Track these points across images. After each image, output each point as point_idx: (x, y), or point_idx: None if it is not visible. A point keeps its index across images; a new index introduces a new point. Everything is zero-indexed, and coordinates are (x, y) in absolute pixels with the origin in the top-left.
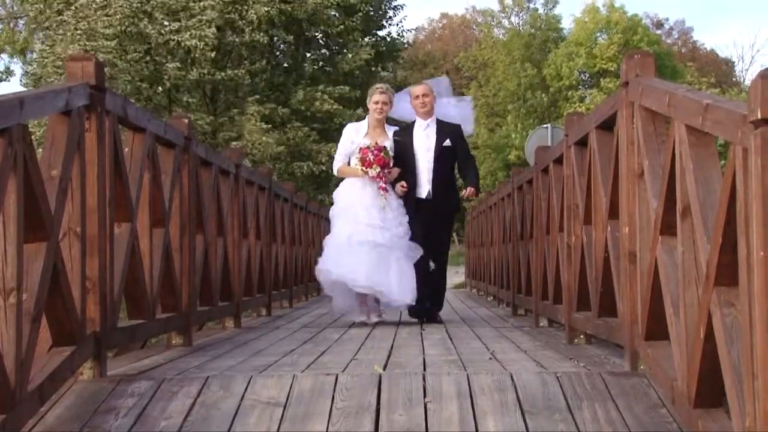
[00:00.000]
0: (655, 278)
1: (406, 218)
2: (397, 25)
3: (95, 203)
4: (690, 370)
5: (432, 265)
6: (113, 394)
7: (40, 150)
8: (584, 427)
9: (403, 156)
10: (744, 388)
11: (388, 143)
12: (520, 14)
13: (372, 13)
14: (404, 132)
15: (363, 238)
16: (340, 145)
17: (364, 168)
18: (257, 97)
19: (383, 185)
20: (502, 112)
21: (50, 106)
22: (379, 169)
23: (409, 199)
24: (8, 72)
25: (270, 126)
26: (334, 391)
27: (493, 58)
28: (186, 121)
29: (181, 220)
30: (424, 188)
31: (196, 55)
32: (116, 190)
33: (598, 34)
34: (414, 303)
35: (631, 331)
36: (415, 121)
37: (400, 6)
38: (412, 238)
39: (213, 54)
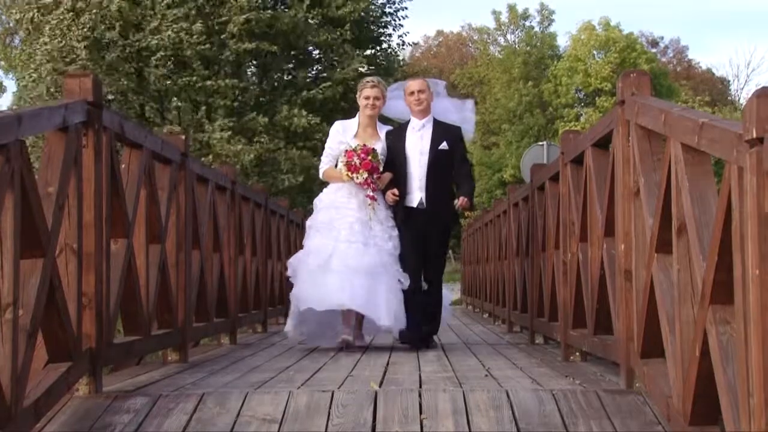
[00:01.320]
0: (651, 296)
1: (396, 232)
2: (400, 37)
3: (92, 219)
4: (686, 388)
5: (424, 284)
6: (109, 411)
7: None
8: None
9: (395, 158)
10: (739, 406)
11: (380, 144)
12: (516, 32)
13: (366, 25)
14: (397, 132)
15: (344, 261)
16: (326, 145)
17: (349, 173)
18: (225, 105)
19: (371, 194)
20: (498, 130)
21: (47, 122)
22: (366, 175)
23: (398, 208)
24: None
25: (238, 136)
26: (330, 407)
27: (489, 76)
28: (183, 137)
29: (177, 236)
30: (416, 196)
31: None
32: (113, 206)
33: (595, 53)
34: (402, 329)
35: (627, 348)
36: (409, 121)
37: (401, 16)
38: (403, 250)
39: (171, 60)
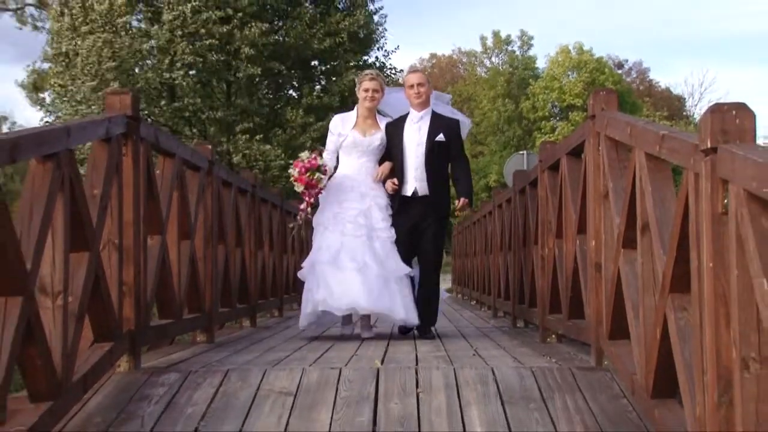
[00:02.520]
0: (618, 286)
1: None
2: (384, 50)
3: (131, 218)
4: (648, 366)
5: (413, 271)
6: (146, 385)
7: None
8: (555, 414)
9: (393, 149)
10: (695, 381)
11: (379, 135)
12: (500, 55)
13: (361, 36)
14: (396, 124)
15: (353, 257)
16: (327, 139)
17: (293, 181)
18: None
19: (303, 207)
20: (485, 140)
21: (92, 133)
22: (302, 188)
23: (395, 196)
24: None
25: (260, 136)
26: (338, 382)
27: (476, 93)
28: (209, 147)
29: (205, 233)
30: (411, 186)
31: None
32: (149, 207)
33: (569, 73)
34: (419, 322)
35: (597, 331)
36: (408, 113)
37: (383, 29)
38: (396, 243)
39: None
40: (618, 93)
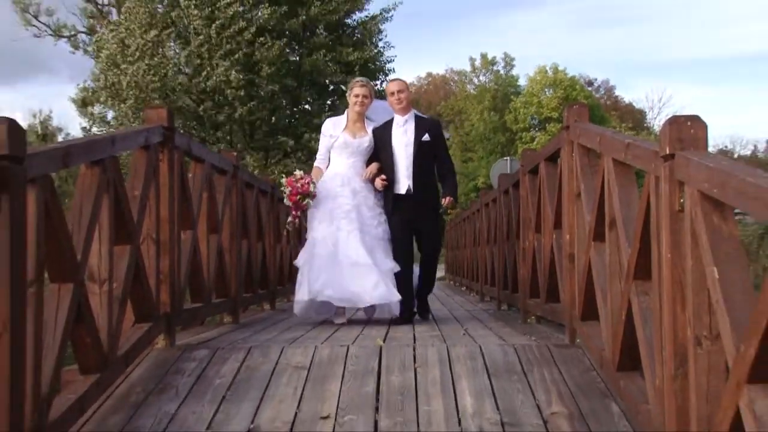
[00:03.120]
0: (589, 274)
1: (384, 218)
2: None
3: (166, 215)
4: (614, 343)
5: (397, 266)
6: (180, 359)
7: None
8: (534, 385)
9: (382, 152)
10: (654, 356)
11: (367, 138)
12: (486, 74)
13: (370, 66)
14: (383, 128)
15: (346, 252)
16: (320, 141)
17: (282, 190)
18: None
19: (292, 218)
20: (474, 148)
21: (134, 142)
22: (291, 204)
23: (388, 196)
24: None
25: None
26: (346, 358)
27: (466, 107)
28: (235, 153)
29: (230, 229)
30: (403, 184)
31: (225, 97)
32: (182, 206)
33: (546, 90)
34: (394, 314)
35: (570, 313)
36: (393, 118)
37: (392, 59)
38: (392, 237)
39: (241, 93)
40: (588, 107)
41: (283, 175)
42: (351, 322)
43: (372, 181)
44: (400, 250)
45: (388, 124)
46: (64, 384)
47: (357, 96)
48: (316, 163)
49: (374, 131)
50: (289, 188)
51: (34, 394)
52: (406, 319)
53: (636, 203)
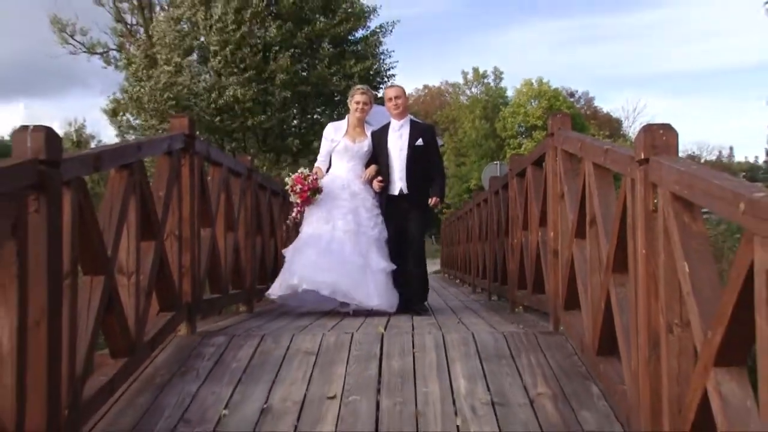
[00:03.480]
0: (571, 267)
1: (381, 219)
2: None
3: (188, 214)
4: (594, 330)
5: (391, 266)
6: (200, 345)
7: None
8: (522, 368)
9: (379, 155)
10: (630, 341)
11: (366, 141)
12: (478, 86)
13: (372, 75)
14: (380, 132)
15: (342, 248)
16: (321, 145)
17: (289, 192)
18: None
19: (295, 214)
20: (466, 153)
21: (158, 148)
22: (299, 201)
23: (384, 196)
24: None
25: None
26: (351, 344)
27: (459, 116)
28: (249, 157)
29: (245, 226)
30: (397, 185)
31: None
32: (202, 206)
33: (532, 100)
34: (393, 310)
35: (555, 303)
36: (390, 122)
37: (393, 65)
38: (388, 239)
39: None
40: (570, 116)
41: (290, 174)
42: (355, 313)
43: (370, 182)
44: (392, 249)
45: (385, 128)
46: (97, 366)
47: (357, 103)
48: (317, 164)
49: (372, 134)
50: (299, 185)
51: (69, 375)
52: (399, 310)
53: (614, 203)
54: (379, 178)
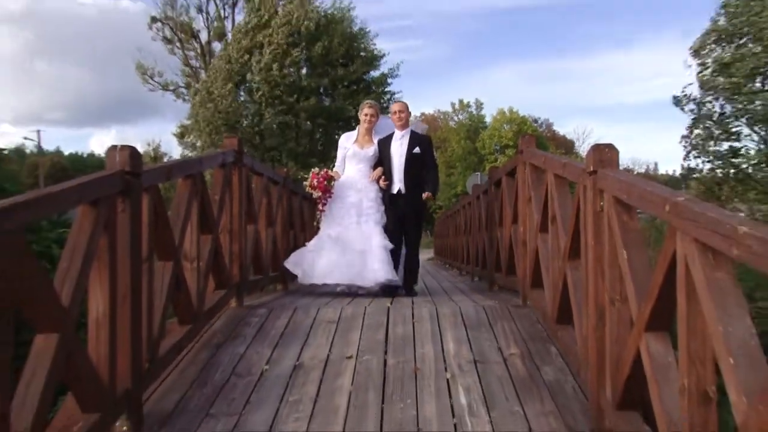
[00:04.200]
0: (536, 255)
1: (383, 207)
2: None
3: (237, 213)
4: (553, 304)
5: (390, 245)
6: (247, 315)
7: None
8: (498, 334)
9: (384, 160)
10: (582, 313)
11: (373, 148)
12: (463, 114)
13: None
14: (385, 140)
15: (347, 237)
16: (338, 152)
17: (309, 189)
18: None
19: (321, 208)
20: (454, 165)
21: (214, 162)
22: (320, 194)
23: (386, 194)
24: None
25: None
26: (364, 315)
27: (449, 137)
28: (285, 169)
29: (282, 223)
30: (397, 186)
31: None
32: (248, 207)
33: (505, 125)
34: (395, 279)
35: (524, 283)
36: (394, 132)
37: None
38: (387, 224)
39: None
40: (535, 138)
41: (304, 176)
42: (365, 293)
43: (377, 181)
44: (393, 238)
45: (389, 137)
46: (168, 332)
47: (366, 115)
48: (334, 169)
49: (379, 141)
50: (315, 180)
51: (148, 338)
52: (386, 291)
53: (570, 205)
54: (383, 178)
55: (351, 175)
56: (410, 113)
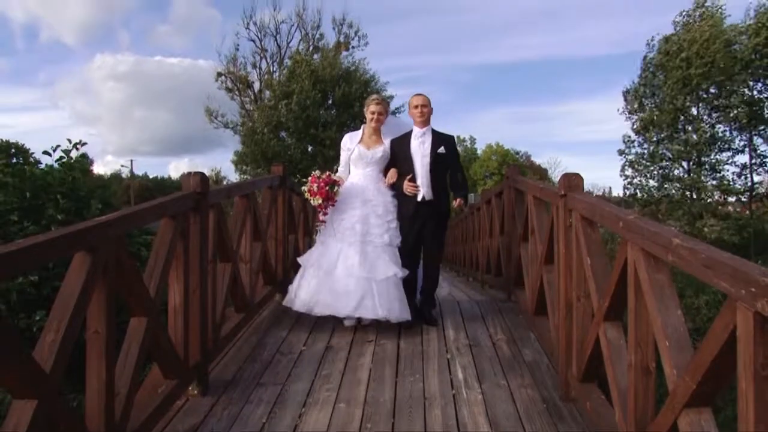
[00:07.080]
0: (519, 260)
1: (394, 224)
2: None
3: (281, 225)
4: (532, 299)
5: (402, 272)
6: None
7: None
8: (488, 323)
9: (402, 162)
10: (554, 306)
11: (382, 148)
12: (459, 147)
13: None
14: (401, 139)
15: (346, 264)
16: (341, 156)
17: (308, 196)
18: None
19: (321, 218)
20: None
21: (264, 184)
22: (321, 201)
23: (409, 201)
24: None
25: None
26: None
27: None
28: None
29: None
30: (422, 192)
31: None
32: (289, 220)
33: (493, 156)
34: (403, 318)
35: (509, 282)
36: (412, 130)
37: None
38: (403, 243)
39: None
40: (517, 167)
41: (304, 180)
42: (364, 325)
43: (392, 186)
44: (409, 255)
45: (406, 136)
46: (227, 318)
47: (373, 113)
48: (338, 173)
49: (392, 141)
50: (315, 184)
51: (213, 322)
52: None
53: (546, 220)
54: (410, 183)
55: (356, 182)
56: (432, 109)
